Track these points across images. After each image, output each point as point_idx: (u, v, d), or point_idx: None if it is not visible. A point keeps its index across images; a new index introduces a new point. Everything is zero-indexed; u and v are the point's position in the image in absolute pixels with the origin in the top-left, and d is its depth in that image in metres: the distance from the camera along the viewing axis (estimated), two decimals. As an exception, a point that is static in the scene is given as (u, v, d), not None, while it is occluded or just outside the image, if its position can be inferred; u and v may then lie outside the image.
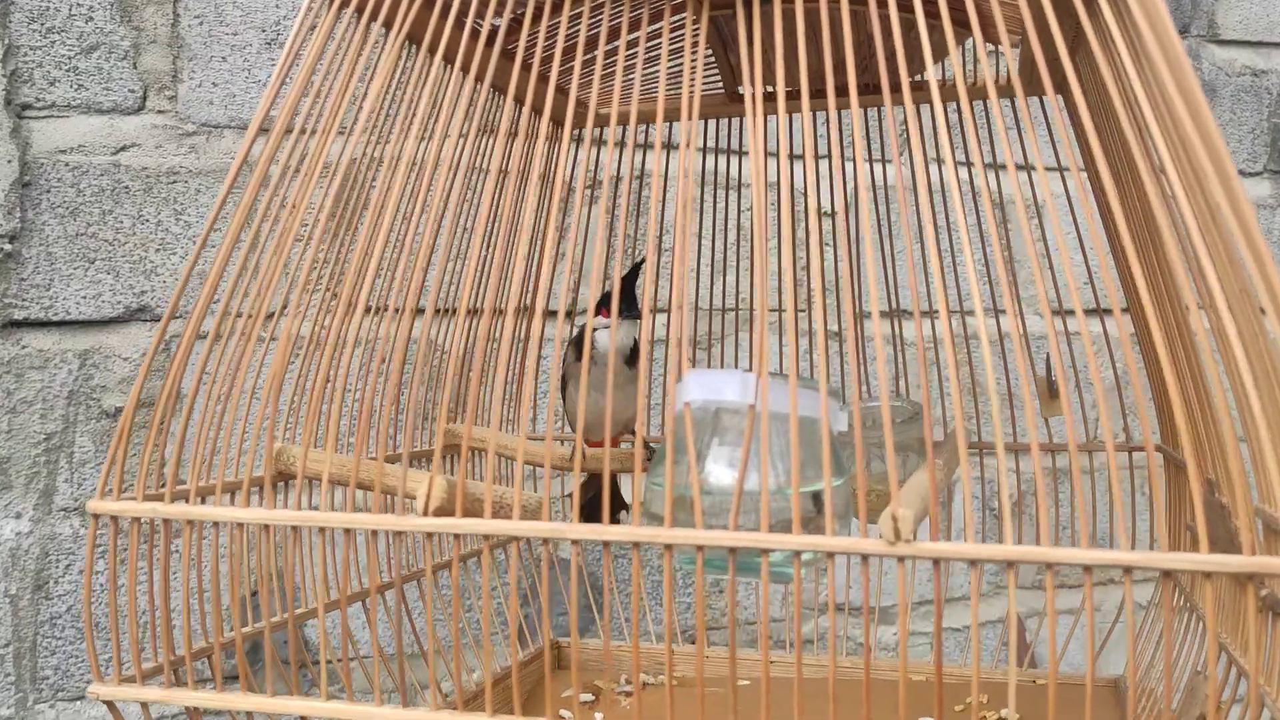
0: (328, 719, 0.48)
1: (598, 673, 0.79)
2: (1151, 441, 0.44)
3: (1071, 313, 0.47)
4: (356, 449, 0.49)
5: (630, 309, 0.76)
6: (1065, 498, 0.94)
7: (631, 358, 0.77)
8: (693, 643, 1.06)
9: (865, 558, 0.40)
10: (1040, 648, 1.22)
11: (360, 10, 0.54)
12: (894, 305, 0.94)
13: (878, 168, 0.96)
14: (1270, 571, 0.36)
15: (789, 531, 0.42)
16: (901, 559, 0.39)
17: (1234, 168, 0.38)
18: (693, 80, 0.48)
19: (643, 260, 0.83)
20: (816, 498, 0.48)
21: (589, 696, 0.74)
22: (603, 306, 0.74)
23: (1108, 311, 0.53)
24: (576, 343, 0.78)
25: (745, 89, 0.48)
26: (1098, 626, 0.39)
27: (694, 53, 0.48)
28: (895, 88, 0.50)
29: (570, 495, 0.76)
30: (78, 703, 0.93)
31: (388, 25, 0.54)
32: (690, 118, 0.47)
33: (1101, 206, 0.63)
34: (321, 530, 0.49)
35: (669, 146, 0.99)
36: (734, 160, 0.95)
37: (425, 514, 0.46)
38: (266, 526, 0.50)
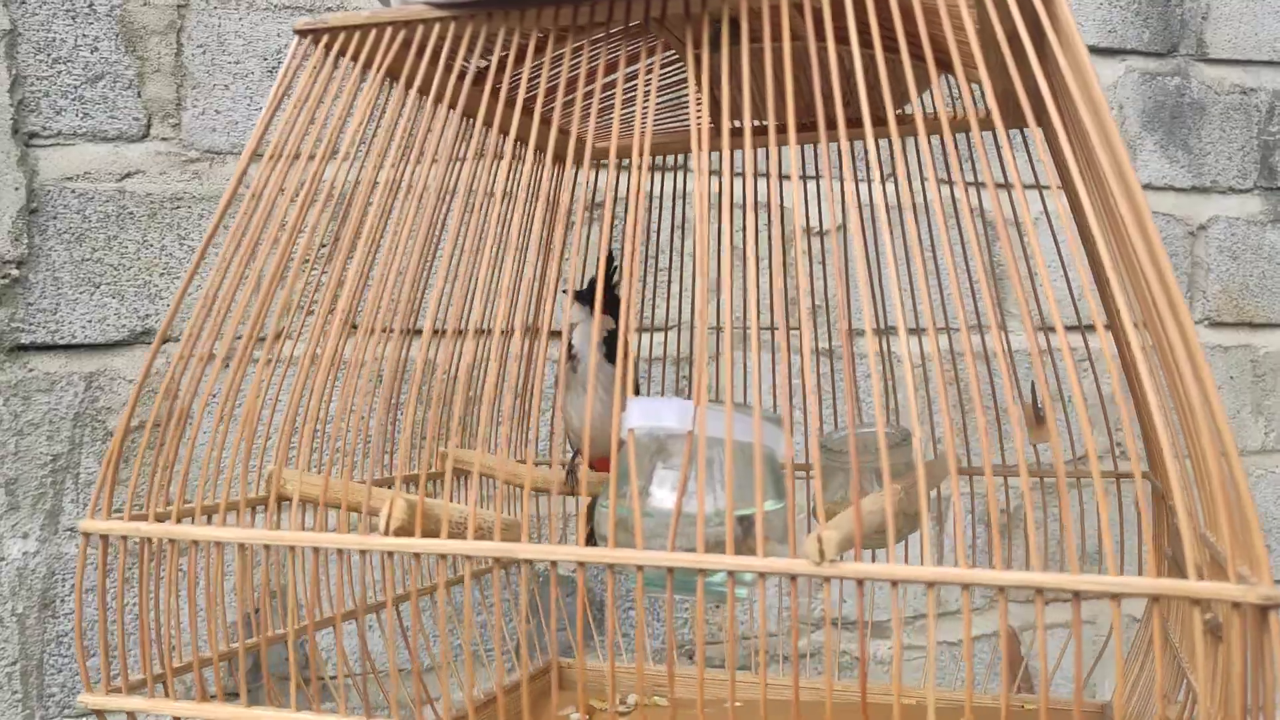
0: None
1: (595, 692, 0.81)
2: (1138, 465, 0.45)
3: (1058, 329, 0.48)
4: (326, 470, 0.51)
5: (588, 302, 0.76)
6: (1056, 515, 0.95)
7: (610, 354, 0.76)
8: (688, 659, 1.08)
9: (794, 577, 0.42)
10: (1035, 662, 1.23)
11: (343, 52, 0.58)
12: (882, 324, 0.96)
13: (864, 191, 0.97)
14: (1208, 596, 0.38)
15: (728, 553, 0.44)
16: (827, 579, 0.41)
17: (1146, 204, 0.39)
18: (644, 120, 0.49)
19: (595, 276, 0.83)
20: (765, 516, 0.50)
21: (579, 717, 0.76)
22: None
23: (1090, 329, 0.55)
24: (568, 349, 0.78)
25: (692, 122, 0.50)
26: (1096, 640, 0.40)
27: (646, 102, 0.50)
28: (879, 120, 0.52)
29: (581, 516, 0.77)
30: (84, 719, 0.95)
31: (368, 65, 0.57)
32: (641, 154, 0.49)
33: (1081, 228, 0.64)
34: (291, 549, 0.51)
35: (640, 169, 1.01)
36: (728, 182, 0.96)
37: (386, 534, 0.49)
38: (243, 546, 0.52)
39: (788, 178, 1.00)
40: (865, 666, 0.41)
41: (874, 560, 0.42)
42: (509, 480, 0.78)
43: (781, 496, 0.52)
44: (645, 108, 0.51)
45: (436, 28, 0.56)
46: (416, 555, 0.49)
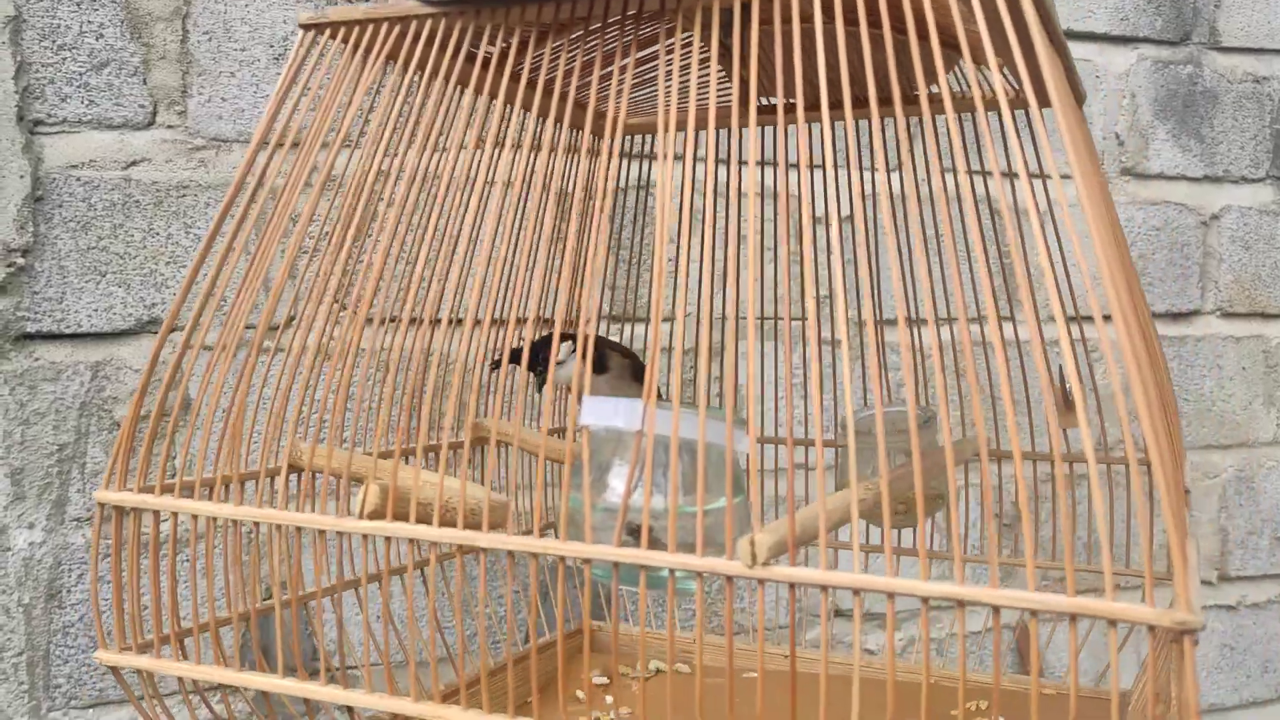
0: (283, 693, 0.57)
1: (618, 659, 0.85)
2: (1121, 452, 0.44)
3: (1082, 320, 0.47)
4: (325, 443, 0.51)
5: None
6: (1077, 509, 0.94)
7: (599, 366, 0.79)
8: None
9: (730, 579, 0.45)
10: (1050, 656, 1.23)
11: (346, 41, 0.63)
12: (911, 313, 0.95)
13: (879, 177, 0.96)
14: (1124, 618, 0.38)
15: (680, 549, 0.46)
16: (761, 582, 0.43)
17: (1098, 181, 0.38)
18: (619, 100, 0.49)
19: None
20: (712, 514, 0.53)
21: (604, 679, 0.80)
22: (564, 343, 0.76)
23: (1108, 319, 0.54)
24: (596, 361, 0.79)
25: (660, 102, 0.49)
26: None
27: (624, 70, 0.49)
28: (905, 100, 0.51)
29: None
30: (90, 710, 0.95)
31: (368, 52, 0.62)
32: (617, 132, 0.49)
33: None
34: (277, 527, 0.55)
35: (644, 157, 1.00)
36: (738, 170, 0.95)
37: (360, 517, 0.52)
38: (236, 522, 0.57)
39: (818, 166, 0.99)
40: (795, 665, 0.41)
41: (899, 538, 0.41)
42: (524, 448, 0.79)
43: (738, 494, 0.55)
44: (619, 95, 0.52)
45: (429, 22, 0.60)
46: (388, 539, 0.52)
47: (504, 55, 0.61)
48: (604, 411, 0.55)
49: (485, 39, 0.59)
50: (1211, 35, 1.32)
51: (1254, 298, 1.35)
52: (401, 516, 0.52)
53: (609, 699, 0.76)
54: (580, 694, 0.76)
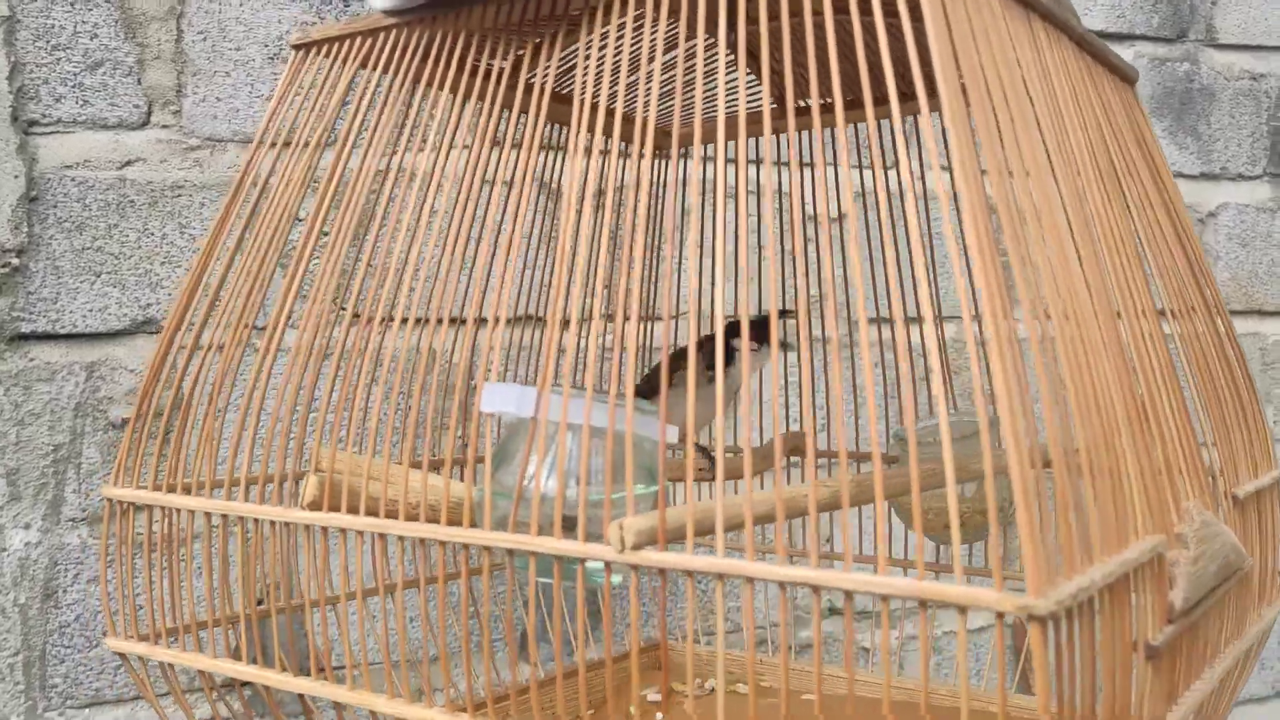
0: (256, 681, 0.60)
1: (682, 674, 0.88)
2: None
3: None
4: (311, 446, 0.51)
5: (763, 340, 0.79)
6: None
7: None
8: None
9: (608, 564, 0.46)
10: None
11: (329, 56, 0.69)
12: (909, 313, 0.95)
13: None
14: (970, 603, 0.37)
15: (591, 539, 0.48)
16: (634, 567, 0.45)
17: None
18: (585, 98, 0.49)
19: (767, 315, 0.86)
20: (613, 503, 0.55)
21: (657, 696, 0.83)
22: (734, 334, 0.76)
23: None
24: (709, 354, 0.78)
25: (575, 99, 0.49)
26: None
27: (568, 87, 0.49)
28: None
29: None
30: (86, 710, 0.95)
31: (359, 64, 0.67)
32: (573, 123, 0.49)
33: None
34: (241, 519, 0.60)
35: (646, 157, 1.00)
36: (734, 171, 0.95)
37: (302, 507, 0.55)
38: (208, 514, 0.62)
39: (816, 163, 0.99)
40: (670, 653, 0.41)
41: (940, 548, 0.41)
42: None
43: (651, 483, 0.57)
44: (542, 96, 0.53)
45: (394, 33, 0.65)
46: (324, 529, 0.54)
47: (469, 60, 0.62)
48: (501, 398, 0.56)
49: (439, 43, 0.63)
50: (1208, 32, 1.32)
51: (1251, 295, 1.35)
52: (353, 509, 0.55)
53: (659, 716, 0.77)
54: (633, 710, 0.77)
